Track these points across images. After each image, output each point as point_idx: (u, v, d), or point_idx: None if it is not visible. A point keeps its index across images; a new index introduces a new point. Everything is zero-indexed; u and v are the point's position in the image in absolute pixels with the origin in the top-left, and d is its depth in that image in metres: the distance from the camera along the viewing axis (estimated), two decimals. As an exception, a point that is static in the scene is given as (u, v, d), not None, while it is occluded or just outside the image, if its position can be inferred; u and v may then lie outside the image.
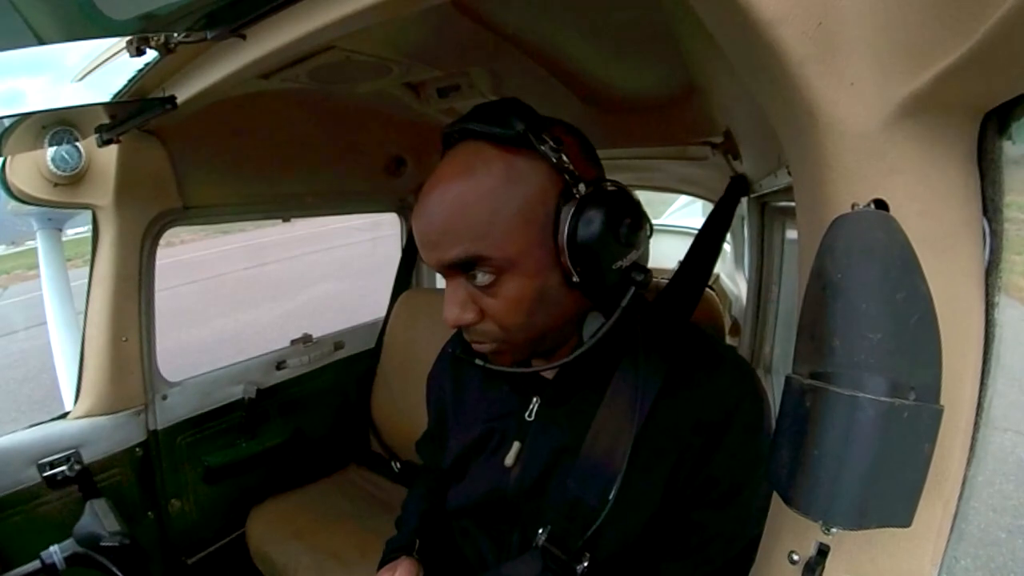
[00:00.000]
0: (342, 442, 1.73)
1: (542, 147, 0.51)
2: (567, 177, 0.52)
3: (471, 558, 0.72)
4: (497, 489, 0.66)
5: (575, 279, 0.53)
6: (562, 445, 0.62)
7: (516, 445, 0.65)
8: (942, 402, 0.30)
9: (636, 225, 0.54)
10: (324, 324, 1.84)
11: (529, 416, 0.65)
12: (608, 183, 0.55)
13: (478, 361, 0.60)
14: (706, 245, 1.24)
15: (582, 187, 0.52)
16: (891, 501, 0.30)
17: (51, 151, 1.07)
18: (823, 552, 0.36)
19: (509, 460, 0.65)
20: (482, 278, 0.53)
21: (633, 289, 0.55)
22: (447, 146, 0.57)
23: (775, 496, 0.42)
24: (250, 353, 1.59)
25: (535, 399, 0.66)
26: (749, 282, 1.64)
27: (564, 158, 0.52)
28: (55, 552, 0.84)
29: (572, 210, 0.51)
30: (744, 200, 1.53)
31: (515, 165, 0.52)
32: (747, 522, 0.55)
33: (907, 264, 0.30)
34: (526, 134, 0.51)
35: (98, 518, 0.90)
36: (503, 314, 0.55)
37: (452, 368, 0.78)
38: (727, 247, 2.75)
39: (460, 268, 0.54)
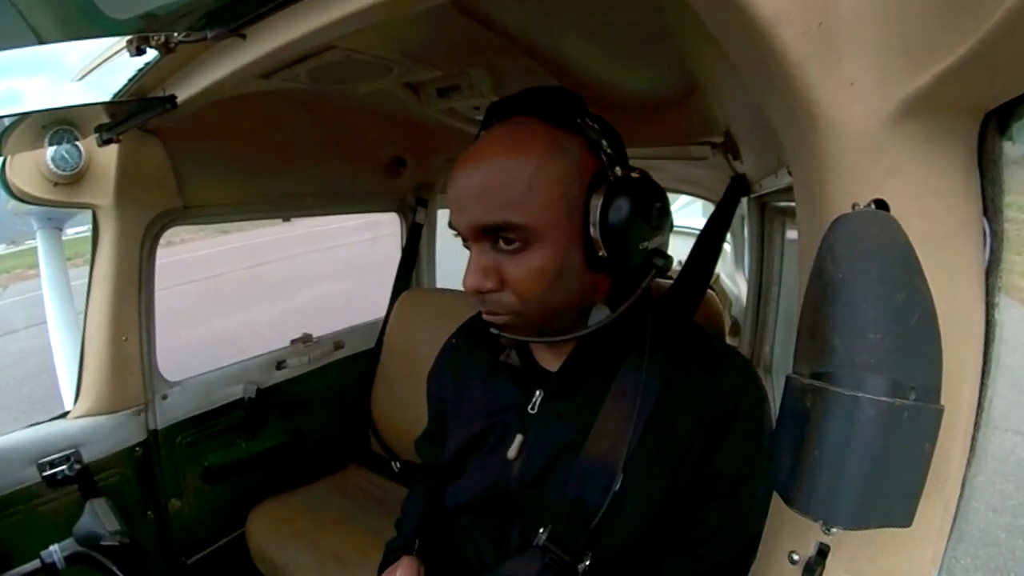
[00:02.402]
0: (342, 442, 1.73)
1: (586, 128, 0.55)
2: (604, 158, 0.55)
3: (470, 557, 0.72)
4: (499, 483, 0.66)
5: (601, 253, 0.55)
6: (565, 439, 0.62)
7: (519, 438, 0.65)
8: (942, 402, 0.30)
9: (663, 210, 0.57)
10: (324, 324, 1.84)
11: (532, 409, 0.65)
12: (637, 171, 0.58)
13: (493, 330, 0.61)
14: (707, 245, 1.24)
15: (618, 170, 0.55)
16: (891, 501, 0.30)
17: (51, 150, 1.07)
18: (823, 552, 0.36)
19: (511, 453, 0.65)
20: (509, 245, 0.55)
21: (654, 271, 0.57)
22: (487, 124, 0.60)
23: (775, 496, 0.42)
24: (250, 352, 1.59)
25: (538, 392, 0.65)
26: (749, 282, 1.64)
27: (603, 142, 0.55)
28: (55, 551, 0.84)
29: (607, 188, 0.54)
30: (744, 200, 1.53)
31: (559, 141, 0.55)
32: (749, 517, 0.55)
33: (907, 264, 0.30)
34: (572, 116, 0.55)
35: (98, 518, 0.90)
36: (524, 283, 0.56)
37: (454, 363, 0.78)
38: (727, 247, 2.75)
39: (490, 233, 0.56)
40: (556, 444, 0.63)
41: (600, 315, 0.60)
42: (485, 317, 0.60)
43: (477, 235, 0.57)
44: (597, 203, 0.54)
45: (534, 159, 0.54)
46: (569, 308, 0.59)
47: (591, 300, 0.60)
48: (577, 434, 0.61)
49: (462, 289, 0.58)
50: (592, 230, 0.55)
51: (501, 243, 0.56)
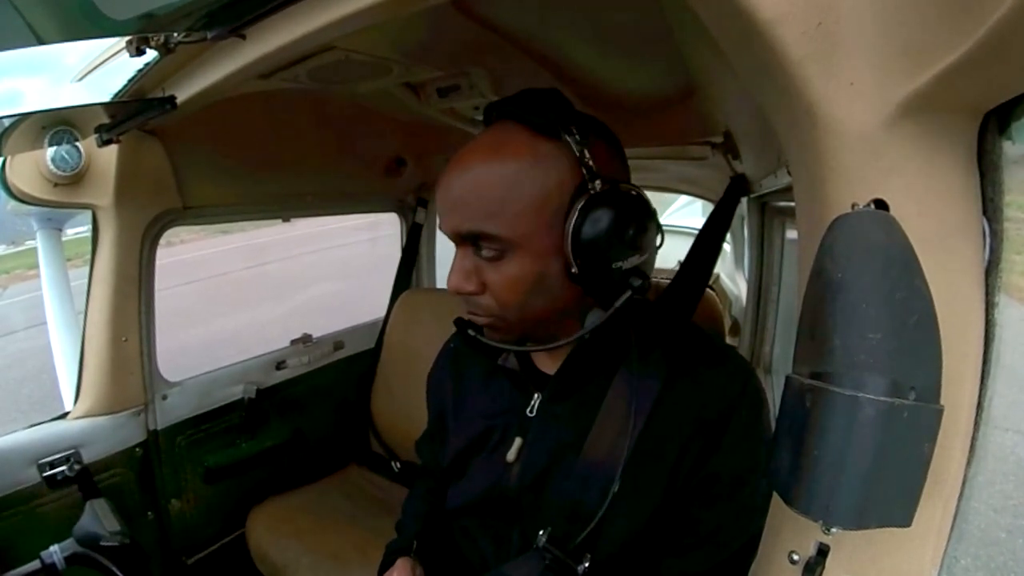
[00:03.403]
0: (342, 442, 1.73)
1: (568, 138, 0.53)
2: (585, 172, 0.54)
3: (471, 558, 0.72)
4: (498, 485, 0.66)
5: (574, 270, 0.55)
6: (564, 442, 0.62)
7: (518, 441, 0.65)
8: (942, 402, 0.30)
9: (642, 229, 0.55)
10: (324, 323, 1.84)
11: (531, 412, 0.65)
12: (628, 186, 0.56)
13: (471, 332, 0.62)
14: (706, 245, 1.24)
15: (598, 184, 0.54)
16: (891, 501, 0.30)
17: (51, 151, 1.07)
18: (823, 552, 0.36)
19: (511, 456, 0.65)
20: (487, 252, 0.56)
21: (629, 293, 0.55)
22: (487, 123, 0.60)
23: (775, 496, 0.42)
24: (250, 352, 1.59)
25: (536, 395, 0.66)
26: (749, 282, 1.64)
27: (586, 153, 0.53)
28: (55, 552, 0.84)
29: (583, 203, 0.53)
30: (744, 200, 1.53)
31: (541, 151, 0.54)
32: (748, 517, 0.55)
33: (907, 264, 0.30)
34: (556, 124, 0.53)
35: (98, 518, 0.90)
36: (501, 290, 0.57)
37: (453, 365, 0.78)
38: (727, 247, 2.74)
39: (469, 239, 0.56)
40: (555, 447, 0.63)
41: (597, 319, 0.60)
42: (468, 316, 0.61)
43: (459, 239, 0.58)
44: (571, 219, 0.53)
45: (511, 170, 0.53)
46: (551, 316, 0.59)
47: (576, 308, 0.60)
48: (576, 436, 0.61)
49: None
50: (565, 244, 0.54)
51: (481, 250, 0.56)
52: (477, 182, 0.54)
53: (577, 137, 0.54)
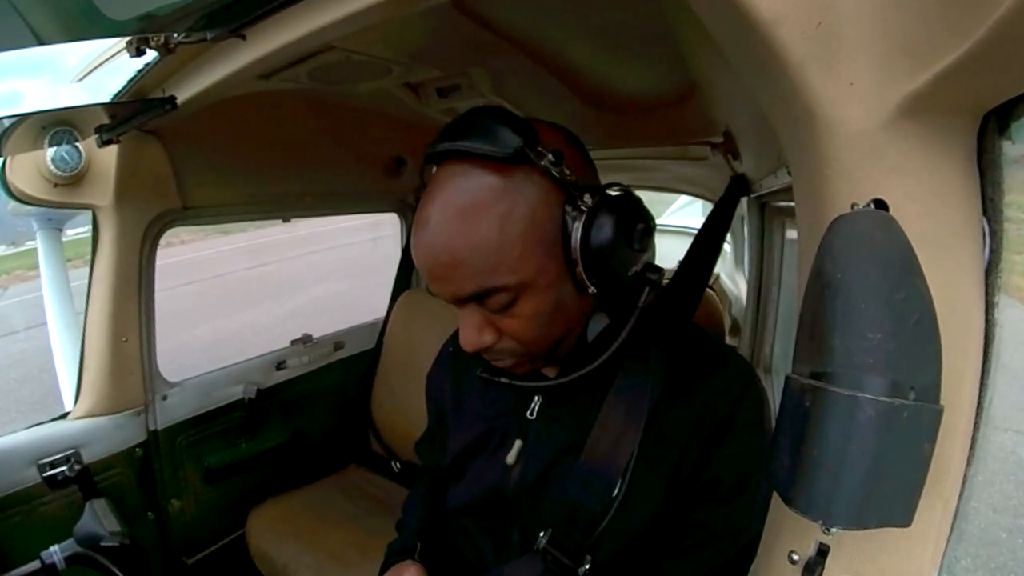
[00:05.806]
0: (342, 442, 1.73)
1: (543, 163, 0.50)
2: (571, 189, 0.51)
3: (471, 558, 0.72)
4: (498, 488, 0.66)
5: (591, 291, 0.53)
6: (564, 444, 0.62)
7: (518, 443, 0.65)
8: (942, 402, 0.30)
9: (642, 228, 0.54)
10: (324, 324, 1.84)
11: (531, 415, 0.65)
12: (615, 187, 0.55)
13: (503, 379, 0.61)
14: (706, 245, 1.24)
15: (588, 198, 0.51)
16: (891, 501, 0.30)
17: (51, 151, 1.07)
18: (823, 552, 0.36)
19: (510, 458, 0.65)
20: (496, 303, 0.53)
21: (648, 289, 0.54)
22: (431, 162, 0.55)
23: (775, 496, 0.42)
24: (250, 353, 1.59)
25: (536, 397, 0.66)
26: (749, 282, 1.64)
27: (566, 171, 0.51)
28: (55, 552, 0.85)
29: (582, 223, 0.51)
30: (744, 200, 1.53)
31: (514, 184, 0.50)
32: (748, 520, 0.55)
33: (907, 264, 0.30)
34: (524, 150, 0.49)
35: (98, 518, 0.90)
36: (522, 331, 0.55)
37: (451, 367, 0.78)
38: (727, 247, 2.74)
39: (473, 299, 0.54)
40: (555, 449, 0.63)
41: (600, 323, 0.60)
42: (494, 364, 0.60)
43: (461, 302, 0.55)
44: (575, 242, 0.51)
45: (495, 217, 0.49)
46: (571, 330, 0.59)
47: (590, 313, 0.60)
48: (576, 439, 0.61)
49: None
50: (578, 268, 0.52)
51: (490, 302, 0.53)
52: (464, 242, 0.50)
53: (551, 158, 0.50)
